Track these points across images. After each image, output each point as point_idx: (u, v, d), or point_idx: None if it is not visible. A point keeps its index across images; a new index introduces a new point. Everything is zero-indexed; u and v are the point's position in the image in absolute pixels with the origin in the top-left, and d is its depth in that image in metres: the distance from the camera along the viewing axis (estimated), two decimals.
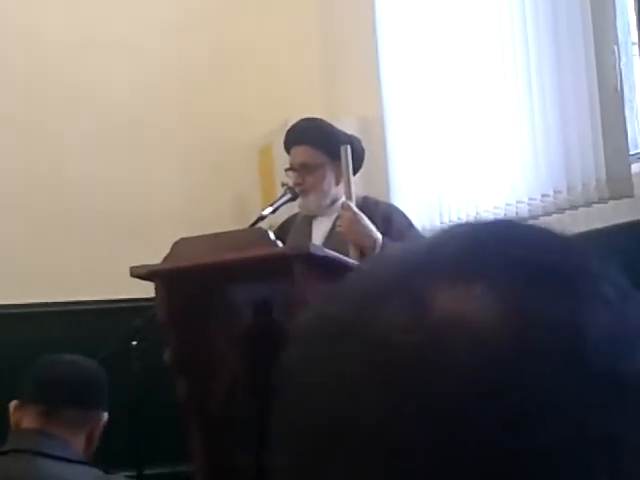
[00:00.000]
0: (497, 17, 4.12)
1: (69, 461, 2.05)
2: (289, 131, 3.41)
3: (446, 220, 4.49)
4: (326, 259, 2.69)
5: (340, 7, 5.60)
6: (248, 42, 5.58)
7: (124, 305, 4.66)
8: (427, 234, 3.33)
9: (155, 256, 2.83)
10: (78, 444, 2.12)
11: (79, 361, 2.23)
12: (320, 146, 3.29)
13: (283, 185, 3.44)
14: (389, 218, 3.29)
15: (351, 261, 2.90)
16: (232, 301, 2.89)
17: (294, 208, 3.47)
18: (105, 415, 2.20)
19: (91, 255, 5.08)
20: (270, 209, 3.26)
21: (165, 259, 2.80)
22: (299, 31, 5.66)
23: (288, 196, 3.33)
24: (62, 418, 2.09)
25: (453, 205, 4.45)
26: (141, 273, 2.80)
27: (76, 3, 5.29)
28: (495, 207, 4.17)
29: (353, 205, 3.12)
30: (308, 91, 5.52)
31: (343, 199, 3.23)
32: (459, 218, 4.41)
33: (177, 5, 5.49)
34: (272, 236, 2.67)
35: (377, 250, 3.06)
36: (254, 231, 2.90)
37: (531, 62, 3.90)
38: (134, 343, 3.66)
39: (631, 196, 3.48)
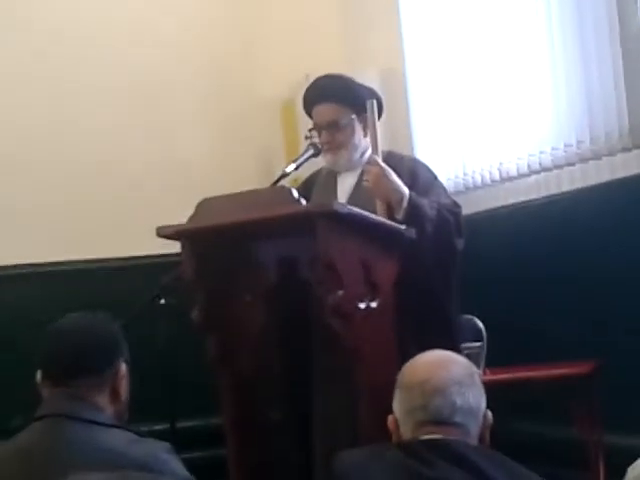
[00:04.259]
0: None
1: (99, 424, 2.08)
2: (310, 89, 3.38)
3: (469, 172, 4.50)
4: (350, 216, 2.70)
5: None
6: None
7: (151, 261, 4.72)
8: (451, 186, 3.34)
9: (184, 213, 2.86)
10: (104, 403, 2.16)
11: (86, 326, 2.22)
12: (346, 102, 3.28)
13: (307, 138, 3.43)
14: (414, 172, 3.29)
15: (376, 217, 2.92)
16: (257, 259, 2.91)
17: (318, 163, 3.48)
18: (123, 366, 2.23)
19: (117, 212, 5.14)
20: (293, 166, 3.26)
21: (190, 219, 2.82)
22: None
23: (311, 152, 3.33)
24: (80, 386, 2.12)
25: (476, 156, 4.45)
26: (168, 233, 2.83)
27: None
28: (518, 158, 4.17)
29: (380, 160, 3.12)
30: (328, 44, 5.50)
31: (369, 153, 3.24)
32: (482, 169, 4.42)
33: None
34: (295, 194, 2.68)
35: (404, 204, 3.07)
36: (277, 189, 2.91)
37: (552, 12, 3.88)
38: (162, 301, 3.71)
39: None
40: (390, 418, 2.15)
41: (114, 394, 2.20)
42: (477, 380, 2.12)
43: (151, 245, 3.29)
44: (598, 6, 3.62)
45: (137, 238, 4.56)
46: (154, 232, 2.85)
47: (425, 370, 2.10)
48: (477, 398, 2.07)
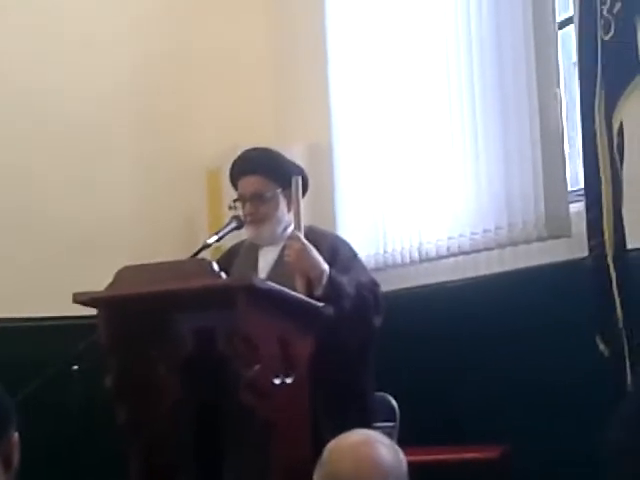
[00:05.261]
0: (445, 56, 4.20)
1: None
2: (238, 161, 3.41)
3: (389, 250, 4.56)
4: (269, 291, 2.72)
5: (291, 33, 5.66)
6: (199, 66, 5.61)
7: (68, 323, 4.65)
8: (372, 263, 3.38)
9: (103, 276, 2.85)
10: None
11: None
12: (272, 176, 3.32)
13: (230, 208, 3.46)
14: (335, 249, 3.33)
15: (295, 294, 2.94)
16: (175, 329, 2.91)
17: (241, 234, 3.50)
18: (15, 435, 2.18)
19: (34, 270, 5.07)
20: (215, 237, 3.29)
21: (109, 286, 2.81)
22: (250, 57, 5.71)
23: (234, 224, 3.35)
24: None
25: (397, 236, 4.52)
26: (84, 299, 2.82)
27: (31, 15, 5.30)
28: (438, 239, 4.25)
29: (302, 236, 3.16)
30: (258, 116, 5.56)
31: (291, 228, 3.27)
32: (403, 248, 4.49)
33: (128, 26, 5.50)
34: (216, 267, 2.70)
35: (324, 281, 3.10)
36: (198, 262, 2.92)
37: (476, 102, 3.99)
38: (75, 367, 3.66)
39: (569, 236, 3.57)
40: None
41: (6, 463, 2.14)
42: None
43: (68, 306, 3.26)
44: (521, 98, 3.74)
45: (53, 298, 4.50)
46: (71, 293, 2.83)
47: (352, 467, 2.04)
48: None
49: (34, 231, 5.16)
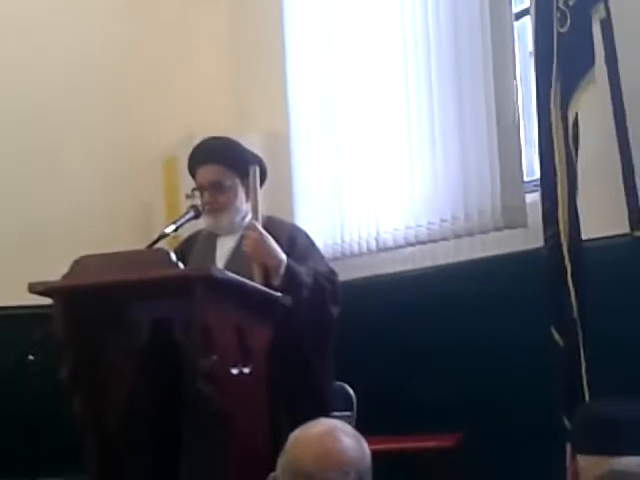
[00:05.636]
0: (402, 45, 4.21)
1: None
2: (196, 150, 3.40)
3: (347, 239, 4.57)
4: (227, 281, 2.72)
5: (249, 23, 5.65)
6: (156, 54, 5.58)
7: (22, 312, 4.61)
8: (329, 252, 3.39)
9: (59, 265, 2.83)
10: None
11: None
12: (231, 165, 3.31)
13: (187, 197, 3.44)
14: (293, 238, 3.33)
15: (253, 283, 2.93)
16: (130, 320, 2.89)
17: (199, 223, 3.49)
18: None
19: None
20: (173, 227, 3.27)
21: (65, 276, 2.79)
22: (208, 45, 5.69)
23: (191, 214, 3.34)
24: None
25: (355, 225, 4.53)
26: (40, 289, 2.79)
27: None
28: (395, 229, 4.26)
29: (259, 225, 3.15)
30: (215, 105, 5.54)
31: (249, 218, 3.26)
32: (360, 237, 4.50)
33: (82, 11, 5.45)
34: (173, 257, 2.68)
35: (281, 270, 3.10)
36: (155, 252, 2.90)
37: (433, 92, 4.01)
38: (31, 357, 3.63)
39: (525, 226, 3.60)
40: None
41: None
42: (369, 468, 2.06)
43: (24, 296, 3.23)
44: (477, 90, 3.76)
45: (9, 288, 4.46)
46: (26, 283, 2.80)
47: (315, 461, 2.02)
48: None
49: None
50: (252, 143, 3.96)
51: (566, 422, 2.89)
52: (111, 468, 2.92)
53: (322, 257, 3.44)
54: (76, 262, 2.79)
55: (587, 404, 2.84)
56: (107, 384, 2.90)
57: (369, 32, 4.44)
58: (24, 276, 2.89)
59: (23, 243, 5.11)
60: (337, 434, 2.04)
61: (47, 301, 2.84)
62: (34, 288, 2.80)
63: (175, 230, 3.28)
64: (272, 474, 2.09)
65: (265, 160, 3.48)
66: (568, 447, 2.55)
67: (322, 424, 2.09)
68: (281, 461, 2.05)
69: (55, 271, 2.83)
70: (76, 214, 5.30)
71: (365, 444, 2.04)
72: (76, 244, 3.00)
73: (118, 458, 2.92)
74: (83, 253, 2.82)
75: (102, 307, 2.83)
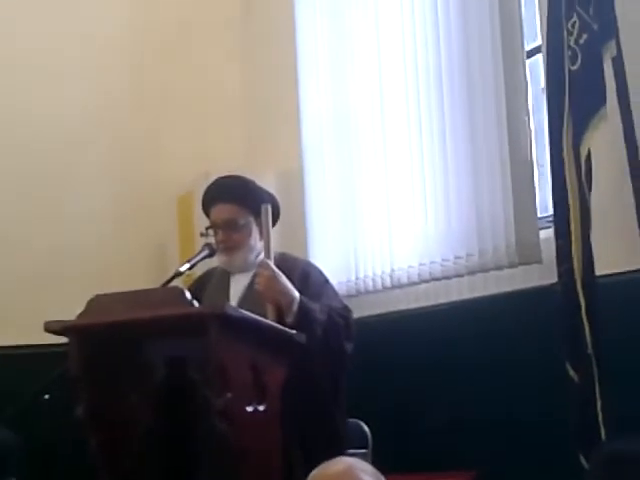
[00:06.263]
0: (415, 84, 4.24)
1: None
2: (211, 188, 3.42)
3: (361, 276, 4.57)
4: (241, 319, 2.72)
5: (263, 62, 5.70)
6: (171, 92, 5.63)
7: (38, 351, 4.62)
8: (343, 289, 3.39)
9: (75, 304, 2.84)
10: None
11: None
12: (245, 204, 3.33)
13: (202, 235, 3.46)
14: (306, 276, 3.33)
15: (267, 321, 2.94)
16: (147, 358, 2.90)
17: (211, 262, 3.51)
18: None
19: (8, 303, 5.03)
20: (187, 265, 3.29)
21: (80, 315, 2.80)
22: (222, 84, 5.74)
23: (206, 252, 3.36)
24: None
25: (369, 262, 4.54)
26: (55, 328, 2.80)
27: None
28: (409, 266, 4.26)
29: (271, 263, 3.17)
30: (229, 143, 5.58)
31: (262, 256, 3.28)
32: (374, 274, 4.50)
33: (97, 54, 5.51)
34: (188, 295, 2.69)
35: (294, 308, 3.11)
36: (170, 290, 2.92)
37: (447, 129, 4.03)
38: (47, 396, 3.64)
39: (539, 262, 3.60)
40: None
41: None
42: None
43: (40, 335, 3.24)
44: (490, 126, 3.78)
45: (25, 327, 4.47)
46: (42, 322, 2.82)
47: None
48: None
49: (5, 260, 5.13)
50: (265, 181, 3.98)
51: (583, 460, 2.87)
52: None
53: (336, 294, 3.44)
54: (91, 301, 2.80)
55: (604, 443, 2.82)
56: (122, 423, 2.90)
57: (382, 70, 4.47)
58: (40, 315, 2.90)
59: (39, 282, 5.14)
60: (356, 472, 2.03)
61: (63, 340, 2.86)
62: (50, 327, 2.81)
63: (190, 268, 3.30)
64: None
65: (279, 197, 3.51)
66: None
67: (341, 463, 2.08)
68: None
69: (71, 310, 2.85)
70: (91, 253, 5.32)
71: None
72: (91, 283, 3.02)
73: None
74: (98, 292, 2.84)
75: (117, 345, 2.84)
